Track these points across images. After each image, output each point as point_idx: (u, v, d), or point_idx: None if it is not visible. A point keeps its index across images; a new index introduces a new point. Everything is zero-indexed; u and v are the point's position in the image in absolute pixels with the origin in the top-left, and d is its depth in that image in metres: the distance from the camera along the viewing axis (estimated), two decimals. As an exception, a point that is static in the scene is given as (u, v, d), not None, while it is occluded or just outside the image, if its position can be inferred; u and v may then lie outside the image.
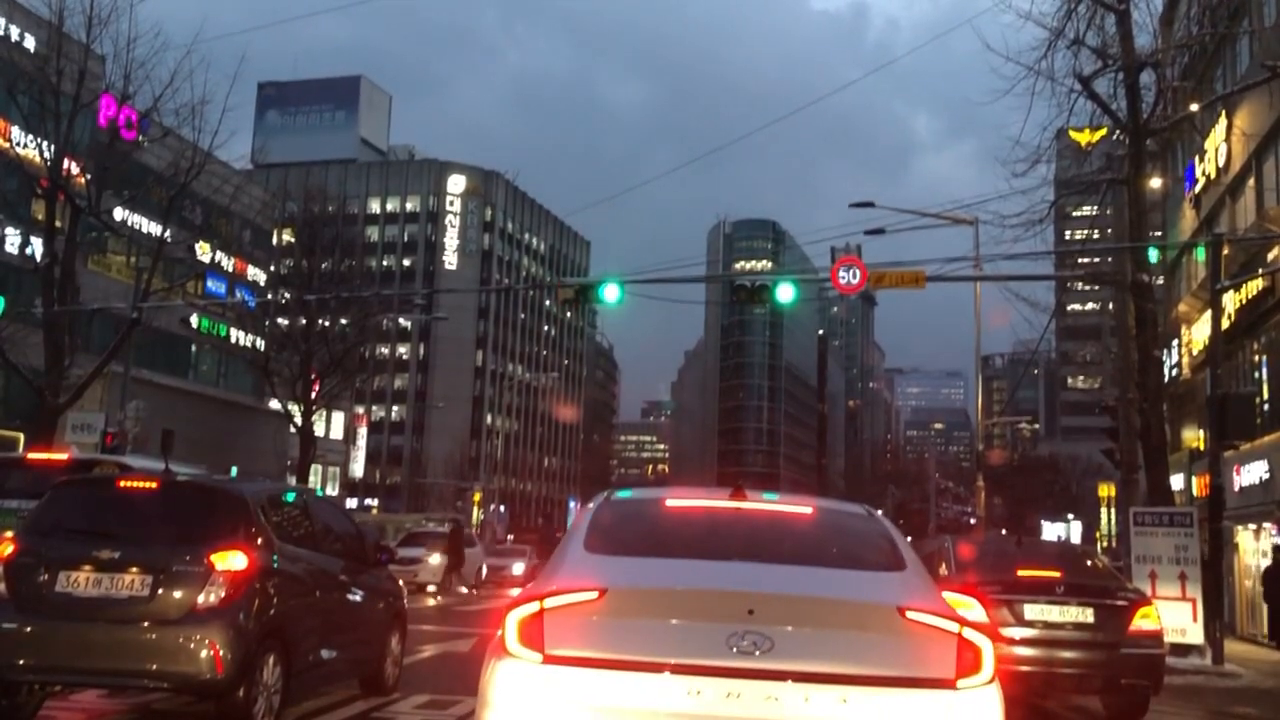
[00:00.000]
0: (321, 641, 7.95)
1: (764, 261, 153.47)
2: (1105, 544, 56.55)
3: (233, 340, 52.82)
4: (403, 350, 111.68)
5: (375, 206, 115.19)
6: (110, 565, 6.75)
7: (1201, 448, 27.46)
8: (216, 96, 59.32)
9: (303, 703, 8.06)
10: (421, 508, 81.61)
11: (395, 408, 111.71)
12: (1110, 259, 21.89)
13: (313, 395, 44.52)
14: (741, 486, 5.13)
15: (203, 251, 47.61)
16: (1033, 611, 9.44)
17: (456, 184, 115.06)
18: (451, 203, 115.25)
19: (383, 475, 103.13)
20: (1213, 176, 26.24)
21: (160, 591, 6.68)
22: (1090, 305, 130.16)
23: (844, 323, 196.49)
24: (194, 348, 53.46)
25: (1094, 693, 10.26)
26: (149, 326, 37.08)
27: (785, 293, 19.56)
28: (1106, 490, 56.27)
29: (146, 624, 6.66)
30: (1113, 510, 54.77)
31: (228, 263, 52.76)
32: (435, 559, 29.46)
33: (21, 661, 6.75)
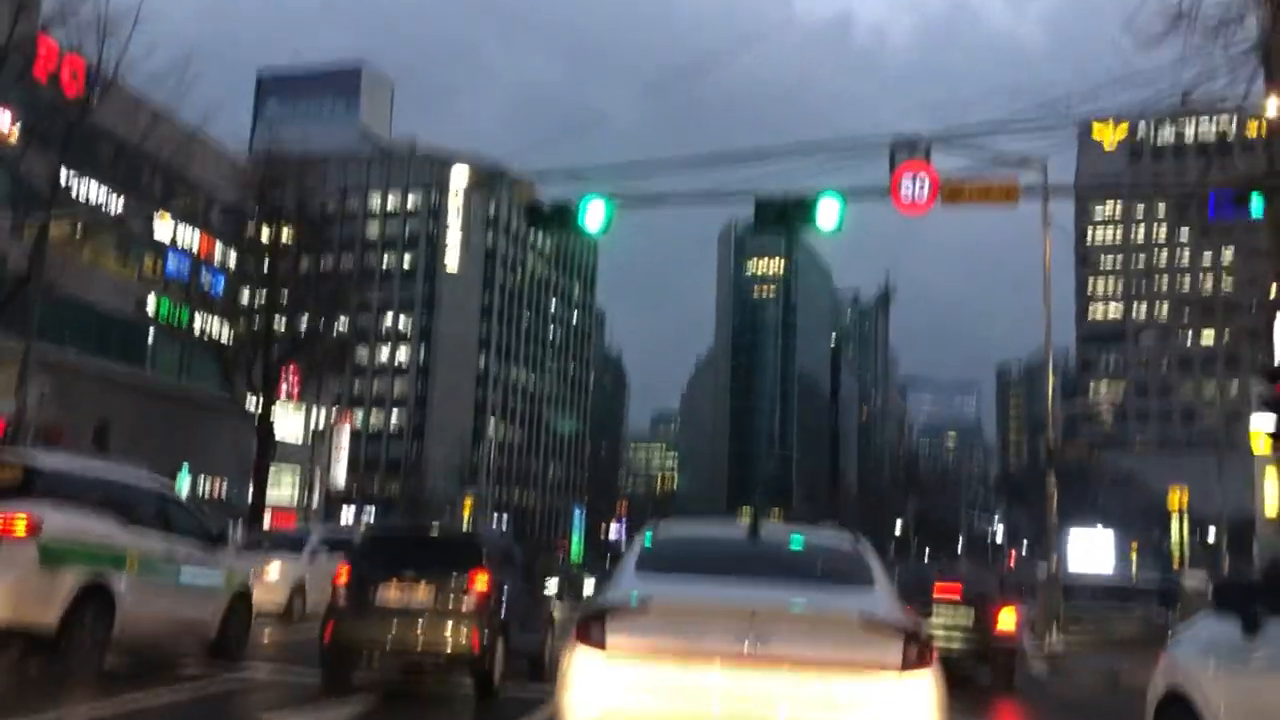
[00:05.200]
0: (520, 631, 11.72)
1: (777, 258, 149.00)
2: (1177, 561, 48.22)
3: (196, 330, 47.66)
4: (402, 358, 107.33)
5: (376, 201, 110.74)
6: (409, 583, 10.86)
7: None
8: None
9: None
10: (419, 517, 76.89)
11: (395, 410, 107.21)
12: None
13: (280, 387, 39.95)
14: (757, 519, 6.90)
15: (163, 219, 42.92)
16: (939, 612, 14.73)
17: (460, 178, 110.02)
18: (455, 196, 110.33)
19: (383, 483, 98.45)
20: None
21: (439, 598, 10.77)
22: (1113, 305, 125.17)
23: (857, 328, 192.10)
24: (152, 335, 48.36)
25: (976, 664, 14.81)
26: (92, 307, 32.53)
27: (828, 213, 14.67)
28: (1178, 496, 46.71)
29: (431, 620, 10.68)
30: (1184, 520, 47.19)
31: (188, 237, 47.79)
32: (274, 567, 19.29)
33: (357, 641, 10.80)
